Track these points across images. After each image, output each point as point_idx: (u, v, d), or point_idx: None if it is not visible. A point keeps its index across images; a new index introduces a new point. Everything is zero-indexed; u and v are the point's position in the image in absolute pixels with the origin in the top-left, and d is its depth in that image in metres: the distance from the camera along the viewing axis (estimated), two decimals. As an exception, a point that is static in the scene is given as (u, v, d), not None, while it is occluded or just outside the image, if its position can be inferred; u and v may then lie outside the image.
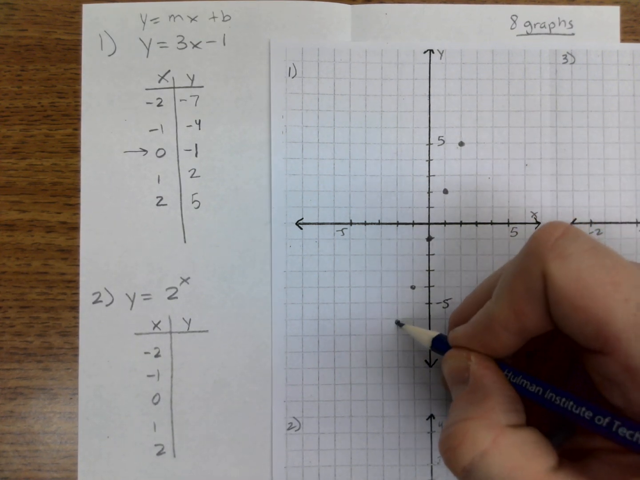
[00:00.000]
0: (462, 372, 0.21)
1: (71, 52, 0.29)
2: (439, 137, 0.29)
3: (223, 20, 0.29)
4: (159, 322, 0.28)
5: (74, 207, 0.29)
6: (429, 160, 0.29)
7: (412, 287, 0.29)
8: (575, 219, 0.29)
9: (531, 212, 0.29)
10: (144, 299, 0.29)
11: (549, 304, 0.18)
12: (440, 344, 0.24)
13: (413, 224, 0.29)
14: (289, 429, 0.28)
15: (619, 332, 0.16)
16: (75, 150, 0.29)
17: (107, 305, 0.28)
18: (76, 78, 0.29)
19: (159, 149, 0.29)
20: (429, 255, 0.29)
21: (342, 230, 0.29)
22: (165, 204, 0.29)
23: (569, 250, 0.18)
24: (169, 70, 0.29)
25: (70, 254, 0.29)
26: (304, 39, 0.29)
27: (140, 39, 0.29)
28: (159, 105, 0.29)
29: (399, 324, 0.28)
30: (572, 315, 0.17)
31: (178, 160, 0.29)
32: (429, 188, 0.29)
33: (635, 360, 0.16)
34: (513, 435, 0.18)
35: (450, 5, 0.30)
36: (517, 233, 0.29)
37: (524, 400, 0.20)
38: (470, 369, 0.20)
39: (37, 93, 0.29)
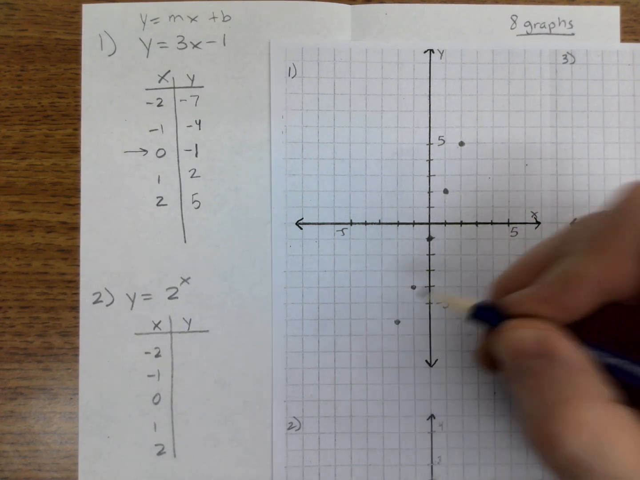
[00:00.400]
0: (532, 344, 0.18)
1: (71, 52, 0.29)
2: (439, 136, 0.29)
3: (223, 21, 0.29)
4: (159, 322, 0.28)
5: (74, 207, 0.29)
6: (429, 160, 0.29)
7: (413, 287, 0.29)
8: (575, 219, 0.29)
9: (531, 212, 0.29)
10: (144, 299, 0.29)
11: None
12: (485, 314, 0.21)
13: (413, 223, 0.29)
14: (289, 428, 0.28)
15: None
16: (75, 150, 0.29)
17: (107, 305, 0.28)
18: (76, 78, 0.29)
19: (159, 149, 0.29)
20: (429, 255, 0.29)
21: (342, 230, 0.29)
22: (166, 204, 0.29)
23: None
24: (169, 71, 0.29)
25: (70, 254, 0.29)
26: (304, 39, 0.29)
27: (140, 39, 0.29)
28: (159, 105, 0.29)
29: (421, 292, 0.27)
30: None
31: (178, 161, 0.29)
32: (429, 188, 0.29)
33: None
34: (627, 413, 0.16)
35: (450, 5, 0.30)
36: (517, 233, 0.29)
37: None
38: (547, 341, 0.18)
39: (37, 93, 0.29)
